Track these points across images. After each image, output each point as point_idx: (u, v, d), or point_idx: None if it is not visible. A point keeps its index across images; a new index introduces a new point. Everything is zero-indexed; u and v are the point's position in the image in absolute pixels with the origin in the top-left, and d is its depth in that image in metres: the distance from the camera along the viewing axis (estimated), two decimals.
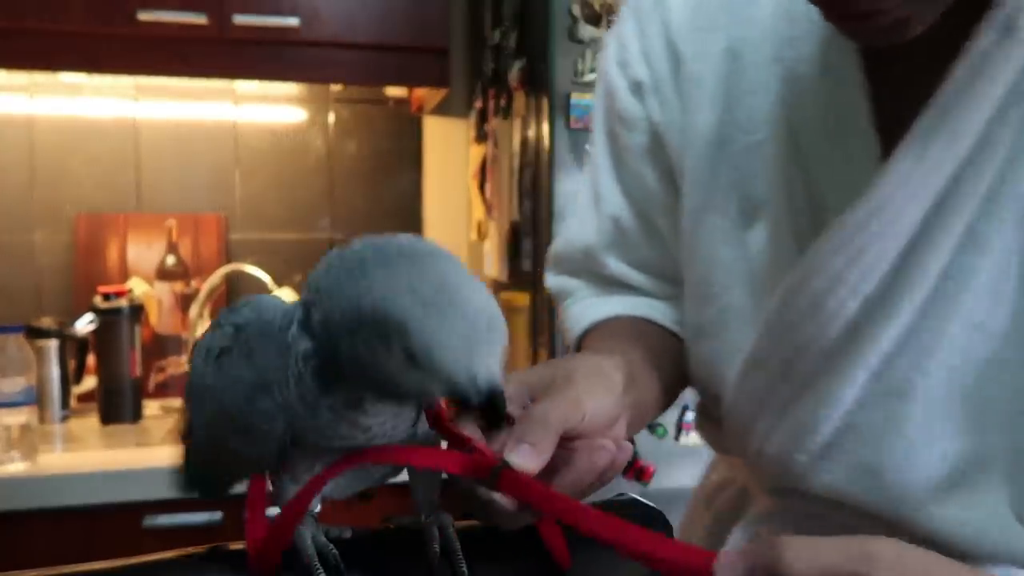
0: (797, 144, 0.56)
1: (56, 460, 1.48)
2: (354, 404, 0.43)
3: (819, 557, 0.34)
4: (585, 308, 0.72)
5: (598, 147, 0.73)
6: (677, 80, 0.64)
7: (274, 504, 0.48)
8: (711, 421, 0.67)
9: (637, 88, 0.66)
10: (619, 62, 0.68)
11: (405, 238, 0.42)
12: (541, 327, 1.65)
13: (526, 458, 0.42)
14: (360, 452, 0.45)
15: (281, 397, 0.43)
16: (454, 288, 0.39)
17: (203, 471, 0.51)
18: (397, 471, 0.50)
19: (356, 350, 0.40)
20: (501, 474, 0.42)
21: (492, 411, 0.41)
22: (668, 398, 0.66)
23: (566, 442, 0.46)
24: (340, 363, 0.41)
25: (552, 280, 0.77)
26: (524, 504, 0.43)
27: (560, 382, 0.49)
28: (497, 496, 0.43)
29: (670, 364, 0.66)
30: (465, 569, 0.47)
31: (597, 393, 0.49)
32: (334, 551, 0.45)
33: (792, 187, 0.56)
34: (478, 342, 0.39)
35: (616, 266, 0.71)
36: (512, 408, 0.46)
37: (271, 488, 0.48)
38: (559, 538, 0.45)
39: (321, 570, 0.44)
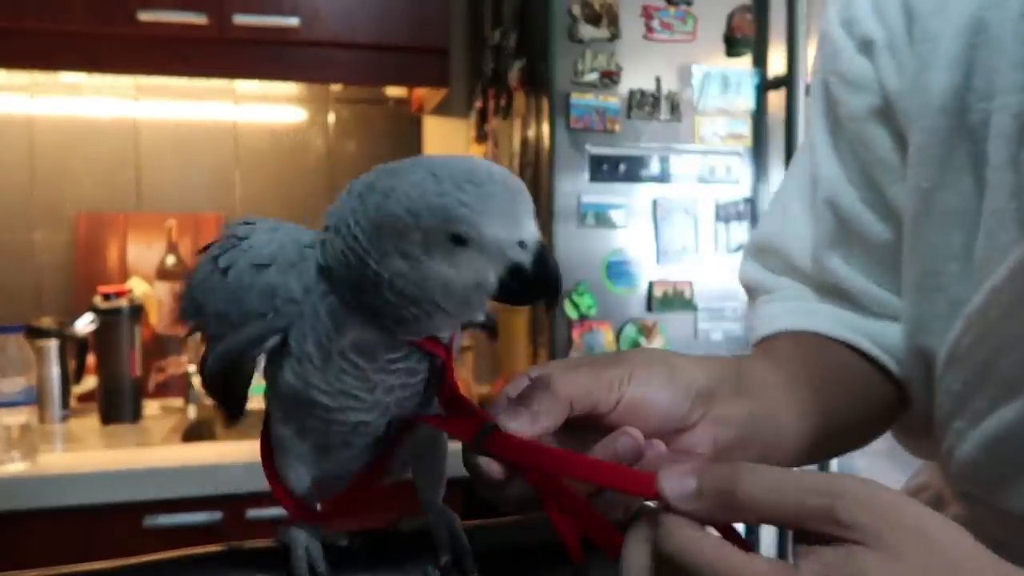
0: None
1: (56, 460, 1.48)
2: (366, 351, 0.42)
3: (781, 485, 0.33)
4: (782, 311, 0.64)
5: (815, 123, 0.65)
6: (912, 38, 0.57)
7: (279, 490, 0.47)
8: (914, 422, 0.61)
9: (867, 47, 0.60)
10: (844, 20, 0.61)
11: (396, 163, 0.42)
12: (541, 327, 1.65)
13: (520, 422, 0.40)
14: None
15: (295, 343, 0.42)
16: (475, 167, 0.39)
17: (221, 390, 0.50)
18: (391, 475, 0.49)
19: (389, 266, 0.39)
20: (491, 436, 0.40)
21: (544, 282, 0.42)
22: (833, 437, 0.57)
23: (600, 427, 0.43)
24: (363, 298, 0.40)
25: (750, 270, 0.69)
26: (511, 471, 0.40)
27: (613, 359, 0.45)
28: (483, 463, 0.40)
29: (850, 401, 0.59)
30: (476, 573, 0.47)
31: (651, 383, 0.44)
32: (321, 570, 0.45)
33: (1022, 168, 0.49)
34: (517, 211, 0.39)
35: (834, 269, 0.62)
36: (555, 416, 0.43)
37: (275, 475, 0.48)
38: (573, 532, 0.42)
39: None
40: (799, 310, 0.63)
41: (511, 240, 0.40)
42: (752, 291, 0.69)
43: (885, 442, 0.70)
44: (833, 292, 0.63)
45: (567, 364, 0.45)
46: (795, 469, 0.34)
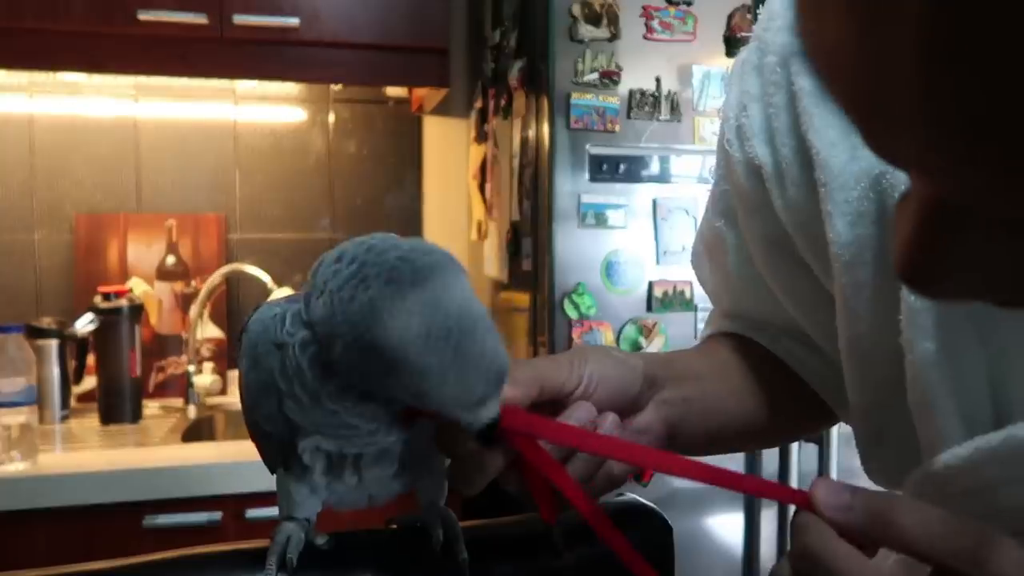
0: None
1: (56, 460, 1.48)
2: (354, 394, 0.43)
3: (934, 519, 0.33)
4: (709, 321, 0.71)
5: (716, 206, 0.61)
6: (808, 174, 0.49)
7: (281, 501, 0.49)
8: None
9: (756, 172, 0.53)
10: (738, 127, 0.54)
11: (406, 244, 0.42)
12: (541, 327, 1.65)
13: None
14: None
15: (285, 387, 0.43)
16: (466, 330, 0.39)
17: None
18: (407, 486, 0.50)
19: (357, 364, 0.40)
20: (504, 413, 0.42)
21: (486, 436, 0.43)
22: (777, 421, 0.62)
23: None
24: (336, 359, 0.41)
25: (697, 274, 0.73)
26: (516, 456, 0.44)
27: (568, 353, 0.50)
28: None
29: (767, 385, 0.62)
30: (466, 554, 0.48)
31: (604, 363, 0.50)
32: (293, 556, 0.46)
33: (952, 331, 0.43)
34: (487, 394, 0.40)
35: (737, 326, 0.67)
36: (520, 394, 0.47)
37: (281, 486, 0.49)
38: (547, 495, 0.46)
39: (272, 570, 0.45)
40: (719, 320, 0.69)
41: (470, 418, 0.42)
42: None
43: None
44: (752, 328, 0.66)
45: (526, 360, 0.51)
46: (950, 512, 0.34)
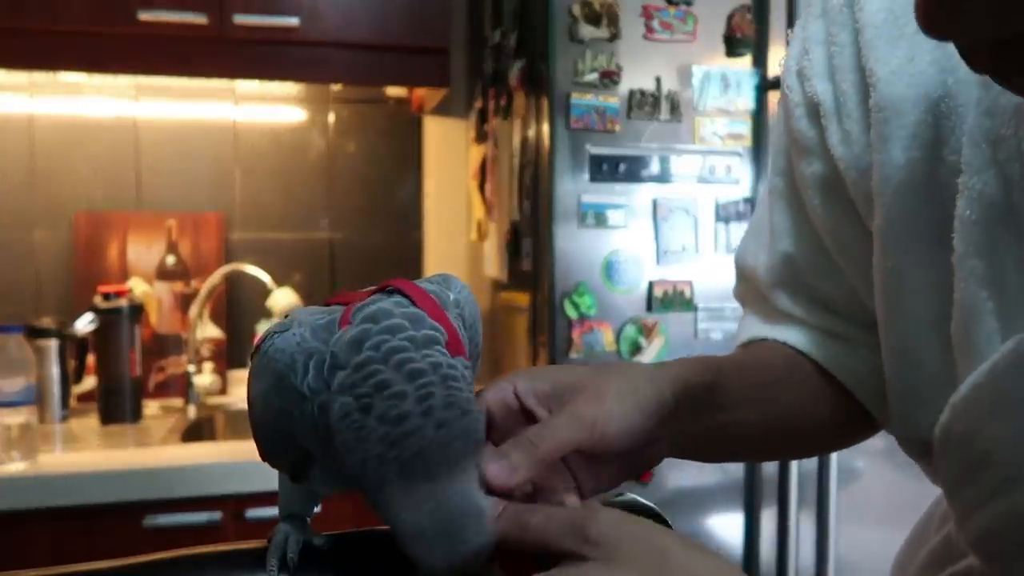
0: (1009, 195, 0.42)
1: (56, 460, 1.48)
2: None
3: (551, 512, 0.40)
4: (750, 324, 0.66)
5: (772, 170, 0.63)
6: (866, 107, 0.51)
7: (281, 499, 0.50)
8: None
9: (815, 110, 0.55)
10: (799, 71, 0.56)
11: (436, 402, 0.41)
12: (541, 327, 1.65)
13: (498, 473, 0.42)
14: None
15: (303, 429, 0.44)
16: (459, 532, 0.40)
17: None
18: None
19: (364, 486, 0.42)
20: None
21: None
22: (784, 437, 0.61)
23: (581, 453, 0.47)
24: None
25: (735, 288, 0.70)
26: None
27: (590, 394, 0.47)
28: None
29: (803, 400, 0.60)
30: None
31: (624, 416, 0.47)
32: (294, 555, 0.46)
33: (998, 244, 0.43)
34: (466, 568, 0.41)
35: (784, 303, 0.62)
36: (534, 404, 0.47)
37: (283, 485, 0.49)
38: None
39: (275, 570, 0.45)
40: (760, 325, 0.65)
41: None
42: (743, 304, 0.71)
43: (883, 441, 0.70)
44: (787, 316, 0.63)
45: (570, 382, 0.48)
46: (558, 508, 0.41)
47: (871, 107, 0.50)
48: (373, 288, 0.46)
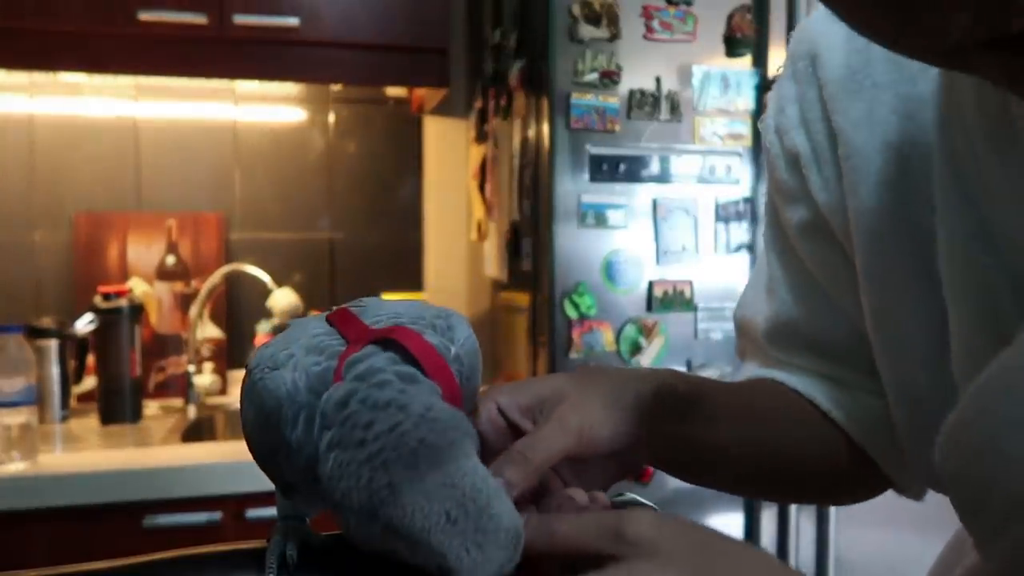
0: (991, 240, 0.43)
1: (56, 460, 1.48)
2: None
3: (583, 518, 0.39)
4: (746, 371, 0.67)
5: (766, 226, 0.65)
6: (837, 155, 0.53)
7: (279, 507, 0.49)
8: None
9: (794, 160, 0.57)
10: (777, 128, 0.59)
11: (417, 416, 0.41)
12: (541, 327, 1.65)
13: (510, 468, 0.44)
14: None
15: (288, 466, 0.44)
16: (482, 507, 0.39)
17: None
18: None
19: (374, 537, 0.41)
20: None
21: None
22: (781, 478, 0.61)
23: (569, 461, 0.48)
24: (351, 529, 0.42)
25: (736, 344, 0.71)
26: None
27: (574, 400, 0.49)
28: None
29: (799, 437, 0.60)
30: None
31: (613, 418, 0.49)
32: (293, 553, 0.46)
33: (986, 283, 0.44)
34: (507, 559, 0.40)
35: (783, 355, 0.63)
36: (519, 417, 0.48)
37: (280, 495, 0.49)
38: None
39: (273, 569, 0.45)
40: (757, 369, 0.65)
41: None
42: (742, 359, 0.71)
43: None
44: (796, 370, 0.63)
45: (527, 405, 0.49)
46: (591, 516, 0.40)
47: (840, 156, 0.53)
48: (377, 329, 0.45)
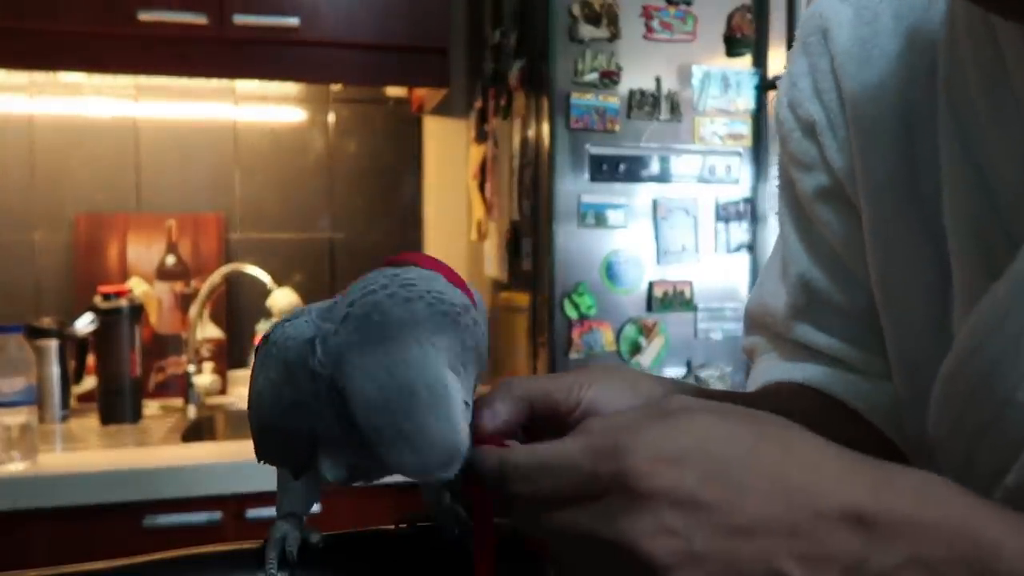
0: (989, 188, 0.46)
1: (56, 460, 1.48)
2: None
3: (575, 443, 0.37)
4: (766, 368, 0.65)
5: (780, 201, 0.65)
6: (849, 120, 0.56)
7: (282, 498, 0.49)
8: None
9: (810, 129, 0.59)
10: (790, 102, 0.61)
11: (403, 282, 0.41)
12: (541, 327, 1.65)
13: (479, 415, 0.43)
14: None
15: (318, 412, 0.43)
16: (413, 407, 0.38)
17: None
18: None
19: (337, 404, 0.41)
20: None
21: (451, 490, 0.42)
22: None
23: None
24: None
25: (745, 341, 0.70)
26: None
27: (568, 372, 0.49)
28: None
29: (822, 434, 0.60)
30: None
31: (612, 388, 0.48)
32: (293, 550, 0.46)
33: (986, 237, 0.46)
34: (439, 472, 0.39)
35: (804, 333, 0.62)
36: (510, 411, 0.46)
37: (283, 484, 0.49)
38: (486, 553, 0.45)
39: (274, 565, 0.45)
40: (780, 365, 0.64)
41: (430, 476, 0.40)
42: (751, 358, 0.70)
43: None
44: (808, 351, 0.62)
45: (527, 377, 0.49)
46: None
47: (849, 120, 0.55)
48: (391, 257, 0.47)
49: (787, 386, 0.62)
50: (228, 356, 2.06)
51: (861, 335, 0.59)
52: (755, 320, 0.67)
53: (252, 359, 0.49)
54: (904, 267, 0.52)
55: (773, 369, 0.64)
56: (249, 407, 0.49)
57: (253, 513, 1.48)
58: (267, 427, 0.47)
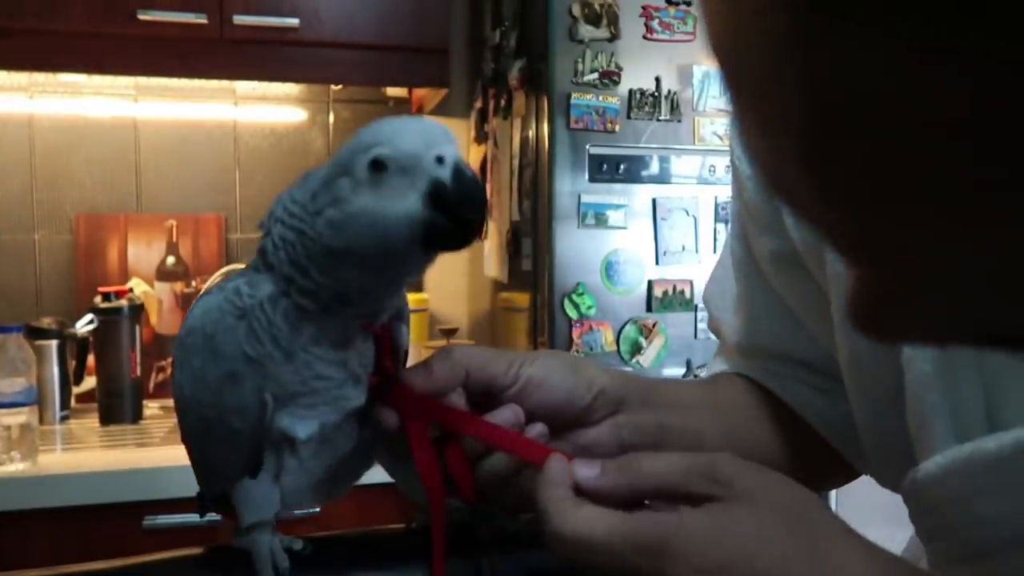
0: None
1: (56, 460, 1.48)
2: (328, 337, 0.44)
3: (672, 456, 0.39)
4: (717, 364, 0.65)
5: (731, 232, 0.62)
6: None
7: (245, 509, 0.47)
8: None
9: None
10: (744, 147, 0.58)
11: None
12: (541, 327, 1.65)
13: (415, 374, 0.46)
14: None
15: (255, 351, 0.43)
16: (410, 119, 0.44)
17: (203, 481, 0.50)
18: (359, 475, 0.52)
19: (322, 222, 0.42)
20: (393, 389, 0.46)
21: (467, 200, 0.42)
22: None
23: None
24: (308, 283, 0.43)
25: (708, 321, 0.69)
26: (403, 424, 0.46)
27: (510, 351, 0.50)
28: (382, 411, 0.46)
29: (767, 431, 0.59)
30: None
31: (551, 369, 0.49)
32: (286, 564, 0.46)
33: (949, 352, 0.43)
34: (434, 134, 0.42)
35: (753, 368, 0.61)
36: (446, 374, 0.47)
37: (243, 493, 0.48)
38: (468, 474, 0.47)
39: None
40: (731, 361, 0.64)
41: (429, 156, 0.41)
42: (716, 334, 0.69)
43: None
44: (762, 371, 0.61)
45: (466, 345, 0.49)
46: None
47: None
48: None
49: (741, 379, 0.62)
50: None
51: (817, 370, 0.58)
52: (711, 309, 0.66)
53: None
54: (867, 355, 0.48)
55: (730, 360, 0.64)
56: (179, 413, 0.47)
57: None
58: (207, 421, 0.45)
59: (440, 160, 0.41)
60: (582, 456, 0.47)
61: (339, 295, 0.43)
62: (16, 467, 1.42)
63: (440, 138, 0.41)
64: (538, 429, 0.48)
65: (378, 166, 0.41)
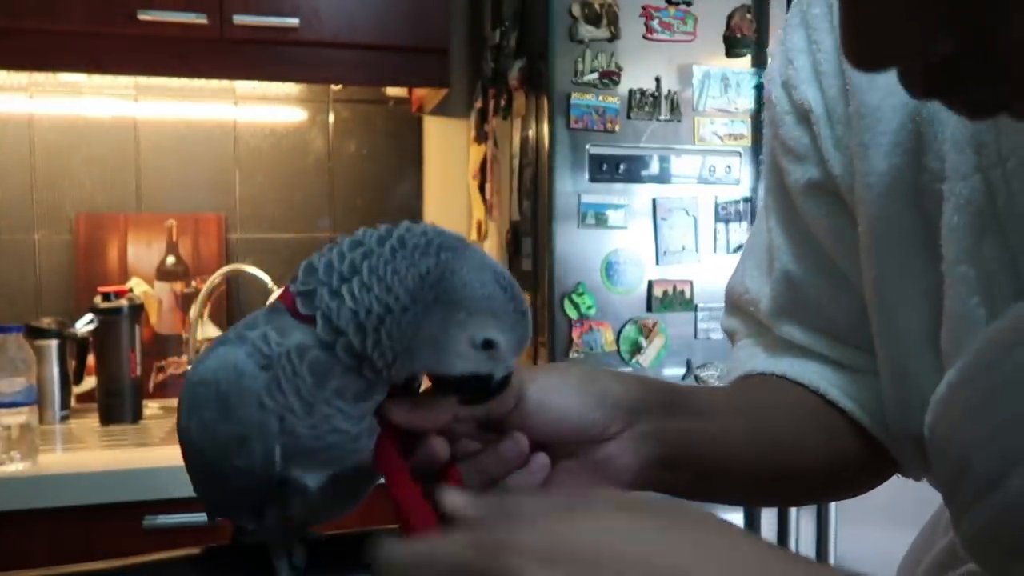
0: (993, 200, 0.42)
1: (56, 460, 1.48)
2: (351, 393, 0.43)
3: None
4: (747, 357, 0.62)
5: (767, 188, 0.61)
6: (851, 112, 0.50)
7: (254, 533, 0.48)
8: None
9: (805, 116, 0.54)
10: (784, 81, 0.55)
11: (429, 228, 0.44)
12: (541, 327, 1.65)
13: (397, 409, 0.43)
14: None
15: (274, 402, 0.43)
16: (518, 293, 0.43)
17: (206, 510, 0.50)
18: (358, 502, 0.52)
19: (421, 327, 0.41)
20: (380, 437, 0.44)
21: (488, 393, 0.44)
22: (791, 476, 0.57)
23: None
24: (357, 340, 0.42)
25: (725, 321, 0.67)
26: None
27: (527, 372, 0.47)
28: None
29: (803, 432, 0.56)
30: None
31: (557, 388, 0.46)
32: (299, 563, 0.47)
33: (986, 249, 0.43)
34: (526, 341, 0.44)
35: (789, 331, 0.59)
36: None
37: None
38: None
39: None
40: (763, 357, 0.61)
41: (510, 362, 0.44)
42: (731, 338, 0.67)
43: None
44: (792, 347, 0.60)
45: None
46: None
47: (851, 114, 0.50)
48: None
49: (769, 379, 0.60)
50: None
51: (847, 332, 0.57)
52: (736, 302, 0.65)
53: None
54: (899, 272, 0.49)
55: (755, 360, 0.61)
56: (183, 450, 0.47)
57: None
58: (215, 475, 0.45)
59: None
60: (598, 473, 0.46)
61: (388, 365, 0.43)
62: (16, 467, 1.41)
63: (525, 342, 0.44)
64: (538, 462, 0.46)
65: (487, 343, 0.42)
